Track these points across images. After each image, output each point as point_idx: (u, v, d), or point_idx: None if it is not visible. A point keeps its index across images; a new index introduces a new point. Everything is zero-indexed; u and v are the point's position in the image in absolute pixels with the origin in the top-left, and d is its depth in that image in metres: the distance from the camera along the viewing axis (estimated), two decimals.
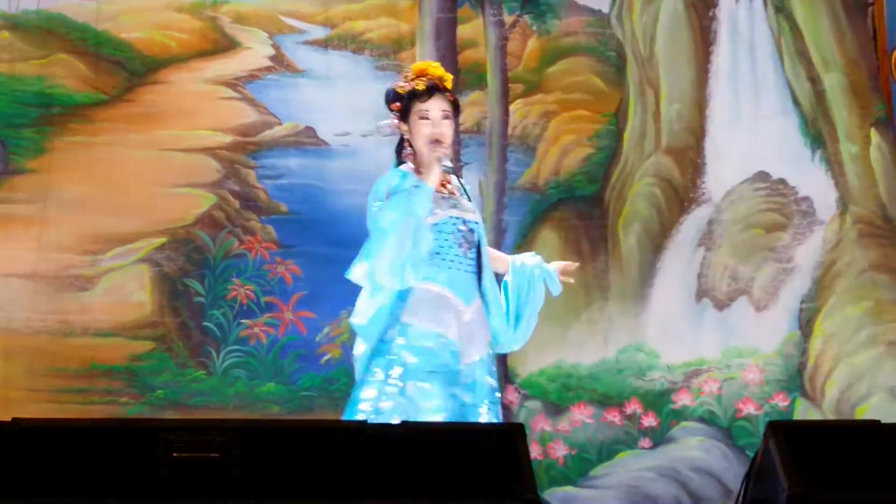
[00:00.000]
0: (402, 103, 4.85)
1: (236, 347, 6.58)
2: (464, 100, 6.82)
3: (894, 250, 6.92)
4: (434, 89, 4.83)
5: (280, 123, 6.77)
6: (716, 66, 7.01)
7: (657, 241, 6.91)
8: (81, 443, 3.32)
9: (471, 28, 6.93)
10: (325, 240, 6.61)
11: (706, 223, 6.93)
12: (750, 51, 7.04)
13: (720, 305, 6.87)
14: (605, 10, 7.04)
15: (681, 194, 6.96)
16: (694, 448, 6.73)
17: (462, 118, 6.83)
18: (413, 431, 3.47)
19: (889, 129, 7.00)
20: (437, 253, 4.73)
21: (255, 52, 6.79)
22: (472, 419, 4.67)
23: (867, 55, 7.07)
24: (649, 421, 6.74)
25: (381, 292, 4.76)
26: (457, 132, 5.03)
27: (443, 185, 4.83)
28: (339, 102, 6.78)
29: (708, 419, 6.77)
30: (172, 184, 6.65)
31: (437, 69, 4.91)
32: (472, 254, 4.79)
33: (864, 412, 6.64)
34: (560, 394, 6.72)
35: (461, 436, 3.52)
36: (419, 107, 4.82)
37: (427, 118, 4.81)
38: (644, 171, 6.96)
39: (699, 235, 6.93)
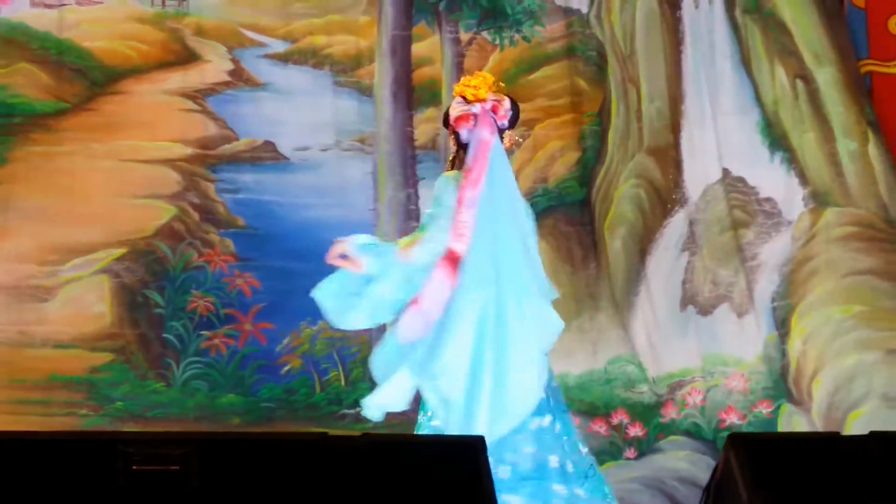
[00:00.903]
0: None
1: (196, 359, 6.54)
2: (418, 117, 6.83)
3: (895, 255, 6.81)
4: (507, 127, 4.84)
5: (238, 139, 6.74)
6: (686, 63, 6.98)
7: (642, 245, 6.84)
8: (39, 456, 3.26)
9: (426, 46, 6.92)
10: (284, 254, 6.59)
11: (688, 225, 6.86)
12: (710, 50, 7.01)
13: (704, 312, 6.80)
14: (584, 9, 7.01)
15: (663, 196, 6.89)
16: (680, 459, 6.66)
17: (416, 134, 6.82)
18: (374, 444, 3.42)
19: (880, 131, 6.94)
20: None
21: (215, 65, 6.76)
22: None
23: (851, 56, 7.03)
24: (636, 431, 6.68)
25: None
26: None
27: None
28: (299, 117, 6.75)
29: (694, 432, 6.70)
30: (133, 195, 6.60)
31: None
32: None
33: (858, 417, 6.57)
34: None
35: (422, 448, 3.48)
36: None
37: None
38: (629, 172, 6.89)
39: (682, 239, 6.85)
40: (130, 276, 6.55)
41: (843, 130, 6.90)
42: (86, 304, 6.50)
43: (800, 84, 6.97)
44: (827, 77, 6.94)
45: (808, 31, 6.98)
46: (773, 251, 6.82)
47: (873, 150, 6.89)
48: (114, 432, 5.49)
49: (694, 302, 6.80)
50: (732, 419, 6.69)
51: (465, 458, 3.39)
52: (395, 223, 6.71)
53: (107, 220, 6.55)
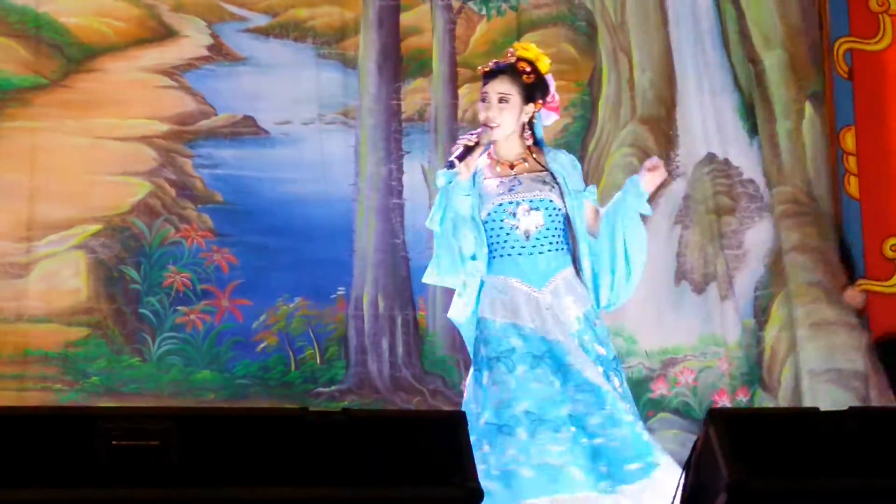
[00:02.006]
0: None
1: (172, 334, 6.49)
2: (405, 88, 6.74)
3: (814, 228, 6.80)
4: (499, 70, 4.64)
5: (216, 114, 6.65)
6: (676, 42, 6.88)
7: None
8: (17, 431, 3.23)
9: (414, 15, 6.82)
10: (262, 229, 6.54)
11: (682, 198, 6.80)
12: (695, 28, 6.94)
13: (698, 289, 6.76)
14: None
15: None
16: (669, 441, 6.60)
17: (403, 106, 6.75)
18: (354, 419, 3.40)
19: (822, 102, 6.91)
20: (496, 243, 4.61)
21: (192, 40, 6.68)
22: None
23: (810, 26, 6.96)
24: None
25: (464, 291, 4.65)
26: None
27: (510, 167, 4.66)
28: (280, 91, 6.67)
29: (683, 411, 6.66)
30: (108, 172, 6.53)
31: (523, 50, 4.70)
32: (543, 233, 4.60)
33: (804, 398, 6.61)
34: None
35: (402, 424, 3.46)
36: (483, 88, 4.66)
37: (484, 100, 4.64)
38: (621, 141, 6.81)
39: (675, 212, 6.78)
40: (106, 252, 6.50)
41: (783, 111, 6.88)
42: (61, 279, 6.45)
43: (749, 66, 6.94)
44: (772, 60, 6.88)
45: (760, 12, 6.92)
46: (757, 239, 6.80)
47: (807, 125, 6.87)
48: (92, 407, 5.45)
49: (688, 278, 6.76)
50: (724, 401, 6.66)
51: (446, 433, 3.37)
52: (376, 199, 6.65)
53: (82, 197, 6.49)
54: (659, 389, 6.67)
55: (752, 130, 6.90)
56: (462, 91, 6.76)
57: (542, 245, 4.60)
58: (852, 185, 6.86)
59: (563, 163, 4.74)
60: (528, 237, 4.59)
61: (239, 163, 6.61)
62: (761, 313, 6.76)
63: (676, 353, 6.68)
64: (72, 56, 6.56)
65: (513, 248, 4.60)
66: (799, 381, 6.66)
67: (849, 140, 6.91)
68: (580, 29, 6.90)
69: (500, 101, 4.60)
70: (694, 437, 6.37)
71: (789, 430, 3.27)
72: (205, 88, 6.63)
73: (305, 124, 6.66)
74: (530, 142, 4.72)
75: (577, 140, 6.83)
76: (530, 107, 4.66)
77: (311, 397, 6.49)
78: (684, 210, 6.82)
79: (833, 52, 6.97)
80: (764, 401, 6.65)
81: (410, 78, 6.74)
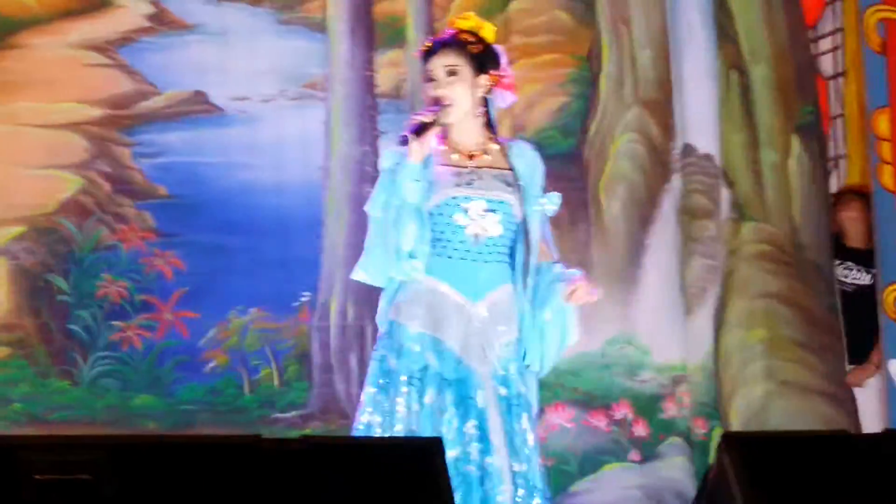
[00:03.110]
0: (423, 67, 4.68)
1: (106, 354, 6.52)
2: (378, 59, 6.73)
3: (799, 283, 6.89)
4: (441, 43, 4.63)
5: (159, 93, 6.67)
6: (671, 22, 6.92)
7: (644, 210, 6.81)
8: None
9: None
10: (214, 226, 6.57)
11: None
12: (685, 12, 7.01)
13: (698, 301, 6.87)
14: None
15: (662, 157, 6.86)
16: (678, 469, 6.67)
17: (378, 79, 6.75)
18: (315, 446, 3.43)
19: (813, 138, 7.00)
20: (436, 240, 4.56)
21: (129, 10, 6.68)
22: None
23: (798, 45, 7.08)
24: (640, 430, 6.68)
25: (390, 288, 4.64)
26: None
27: (468, 157, 4.65)
28: (235, 63, 6.68)
29: (687, 436, 6.74)
30: (32, 164, 6.55)
31: (462, 20, 4.71)
32: (494, 241, 4.59)
33: None
34: (543, 391, 6.65)
35: (370, 452, 3.49)
36: (425, 67, 4.64)
37: (432, 79, 4.62)
38: (626, 125, 6.84)
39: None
40: (30, 257, 6.53)
41: (768, 138, 6.95)
42: None
43: (734, 76, 6.98)
44: (758, 75, 6.96)
45: (749, 17, 6.97)
46: (714, 253, 6.89)
47: (794, 163, 6.96)
48: (13, 436, 5.47)
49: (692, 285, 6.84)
50: (699, 429, 6.75)
51: (420, 461, 3.41)
52: (349, 186, 6.64)
53: (2, 194, 6.51)
54: (669, 410, 6.73)
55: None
56: None
57: (489, 253, 4.59)
58: (886, 175, 6.91)
59: (527, 160, 4.73)
60: (476, 241, 4.57)
61: (187, 148, 6.62)
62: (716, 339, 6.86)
63: (683, 370, 6.76)
64: None
65: (455, 249, 4.57)
66: (749, 425, 6.72)
67: (882, 123, 6.94)
68: None
69: (449, 73, 4.60)
70: (693, 467, 6.63)
71: (814, 455, 3.32)
72: (144, 65, 6.64)
73: (265, 101, 6.68)
74: (483, 119, 4.70)
75: (577, 121, 6.86)
76: (483, 78, 4.64)
77: (268, 424, 6.52)
78: None
79: (863, 23, 7.02)
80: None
81: (385, 47, 6.75)
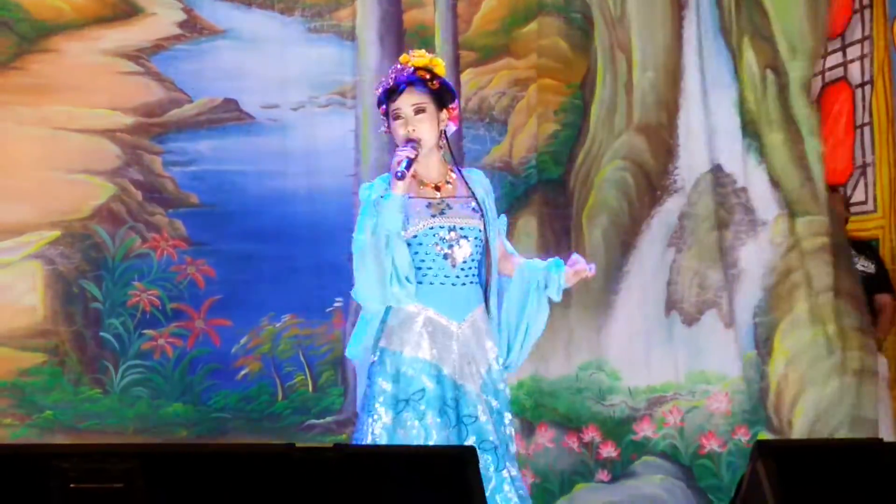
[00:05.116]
0: (385, 106, 4.97)
1: (137, 362, 6.55)
2: None
3: (845, 270, 6.99)
4: (405, 82, 4.93)
5: (190, 101, 6.70)
6: (688, 32, 6.97)
7: (626, 237, 6.89)
8: None
9: None
10: (245, 233, 6.60)
11: (677, 218, 6.92)
12: (712, 17, 7.01)
13: (689, 320, 6.87)
14: None
15: (653, 182, 6.93)
16: (655, 485, 6.74)
17: None
18: (347, 456, 3.45)
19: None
20: (418, 269, 4.87)
21: (161, 18, 6.70)
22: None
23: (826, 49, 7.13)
24: (608, 451, 6.77)
25: (374, 319, 4.92)
26: (459, 125, 5.13)
27: (436, 189, 4.97)
28: (266, 70, 6.72)
29: (671, 454, 6.81)
30: (66, 169, 6.58)
31: (418, 58, 5.00)
32: (469, 264, 4.91)
33: None
34: (534, 411, 6.75)
35: (403, 461, 3.51)
36: (392, 106, 4.94)
37: (400, 117, 4.92)
38: (614, 153, 6.92)
39: (670, 233, 6.91)
40: (65, 263, 6.54)
41: (811, 129, 6.98)
42: (15, 294, 6.51)
43: (770, 76, 7.00)
44: (797, 73, 6.99)
45: (788, 18, 7.00)
46: (753, 257, 6.93)
47: None
48: (46, 445, 5.50)
49: (679, 308, 6.88)
50: (713, 445, 6.79)
51: (454, 471, 3.42)
52: None
53: (37, 197, 6.54)
54: (643, 431, 6.80)
55: (746, 128, 6.95)
56: (464, 77, 6.84)
57: (465, 276, 4.91)
58: None
59: (484, 186, 5.06)
60: (454, 266, 4.90)
61: (218, 156, 6.66)
62: (763, 344, 6.89)
63: (665, 391, 6.81)
64: (24, 34, 6.59)
65: (436, 276, 4.89)
66: (817, 424, 6.77)
67: None
68: (575, 22, 6.95)
69: (417, 112, 4.91)
70: (679, 483, 6.68)
71: (846, 462, 3.33)
72: (176, 72, 6.68)
73: (296, 109, 6.73)
74: (446, 154, 5.02)
75: (565, 151, 6.93)
76: (444, 114, 4.99)
77: (303, 431, 6.57)
78: (679, 231, 6.93)
79: (891, 32, 7.05)
80: None
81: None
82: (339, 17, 6.81)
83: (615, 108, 6.95)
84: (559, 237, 6.86)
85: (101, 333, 6.55)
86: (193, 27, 6.74)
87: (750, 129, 6.97)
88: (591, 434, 6.76)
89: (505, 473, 4.76)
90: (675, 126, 6.97)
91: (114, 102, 6.63)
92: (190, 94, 6.71)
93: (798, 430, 6.78)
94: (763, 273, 6.91)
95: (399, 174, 4.75)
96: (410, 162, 4.79)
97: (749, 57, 6.98)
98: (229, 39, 6.73)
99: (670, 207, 6.94)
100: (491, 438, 4.77)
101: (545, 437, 6.74)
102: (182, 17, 6.73)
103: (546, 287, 4.99)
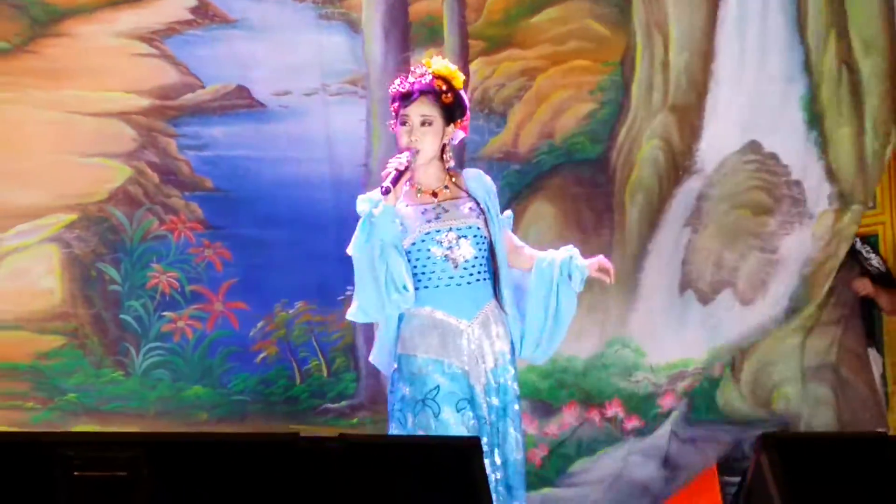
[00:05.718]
0: (396, 105, 5.05)
1: (158, 344, 6.56)
2: (415, 58, 6.76)
3: None
4: (419, 91, 5.01)
5: (203, 86, 6.68)
6: (724, 11, 6.95)
7: (654, 217, 6.91)
8: None
9: None
10: (260, 219, 6.60)
11: (695, 198, 6.92)
12: (762, 2, 6.99)
13: (704, 299, 6.89)
14: None
15: (678, 162, 6.94)
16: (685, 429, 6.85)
17: None
18: (351, 446, 3.46)
19: None
20: (421, 274, 4.99)
21: (174, 2, 6.68)
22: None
23: None
24: (633, 423, 6.80)
25: (384, 326, 5.06)
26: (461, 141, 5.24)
27: (433, 195, 5.06)
28: (278, 57, 6.71)
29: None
30: (82, 152, 6.57)
31: (439, 67, 5.08)
32: (472, 263, 5.01)
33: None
34: (553, 392, 6.75)
35: (407, 451, 3.52)
36: (401, 111, 5.04)
37: (406, 124, 5.02)
38: (652, 132, 6.92)
39: (687, 213, 6.92)
40: (82, 246, 6.55)
41: (873, 124, 7.01)
42: (33, 277, 6.51)
43: (844, 71, 7.00)
44: (869, 69, 7.00)
45: (863, 14, 7.01)
46: (794, 247, 6.95)
47: (889, 151, 7.05)
48: (52, 433, 5.51)
49: (694, 287, 6.90)
50: None
51: (458, 462, 3.43)
52: None
53: (53, 181, 6.54)
54: (667, 404, 6.83)
55: (812, 124, 6.95)
56: (473, 67, 6.80)
57: (470, 275, 5.02)
58: None
59: (484, 185, 5.15)
60: (455, 266, 5.01)
61: (231, 142, 6.65)
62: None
63: (686, 366, 6.83)
64: (36, 17, 6.58)
65: (440, 278, 5.01)
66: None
67: None
68: (610, 0, 6.94)
69: (423, 123, 5.02)
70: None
71: (850, 455, 3.32)
72: (189, 57, 6.65)
73: (308, 95, 6.72)
74: (452, 163, 5.15)
75: (605, 129, 6.92)
76: (450, 128, 5.09)
77: (318, 415, 6.60)
78: (696, 211, 6.93)
79: None
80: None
81: (420, 47, 6.77)
82: (349, 6, 6.77)
83: (652, 87, 6.96)
84: (600, 216, 6.88)
85: (122, 316, 6.55)
86: (205, 13, 6.71)
87: (817, 124, 6.96)
88: (614, 409, 6.80)
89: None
90: (703, 108, 6.95)
91: (129, 85, 6.61)
92: (202, 79, 6.68)
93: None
94: (802, 265, 6.96)
95: (384, 189, 4.83)
96: (399, 175, 4.86)
97: (831, 50, 6.96)
98: (241, 29, 6.70)
99: (690, 187, 6.93)
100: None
101: (572, 415, 6.75)
102: (194, 2, 6.68)
103: (570, 279, 5.08)
